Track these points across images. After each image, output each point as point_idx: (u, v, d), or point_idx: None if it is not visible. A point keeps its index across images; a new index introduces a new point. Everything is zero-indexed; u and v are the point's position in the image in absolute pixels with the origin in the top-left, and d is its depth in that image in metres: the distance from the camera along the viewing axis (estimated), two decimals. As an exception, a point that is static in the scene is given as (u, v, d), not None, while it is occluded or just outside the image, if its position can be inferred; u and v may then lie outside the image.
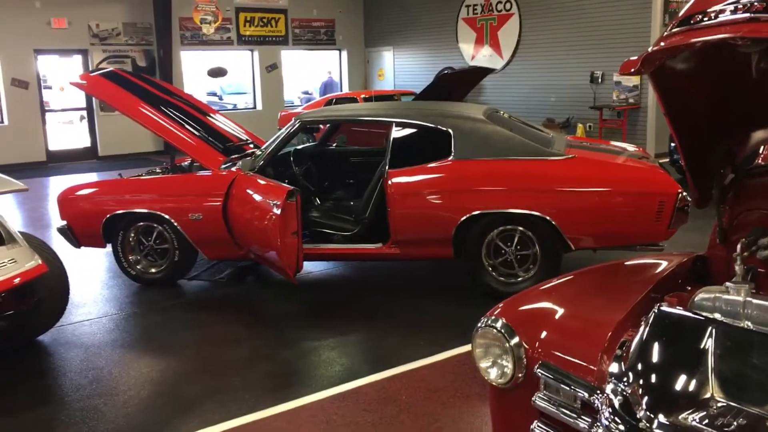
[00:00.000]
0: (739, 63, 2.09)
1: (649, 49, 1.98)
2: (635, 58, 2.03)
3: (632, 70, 2.05)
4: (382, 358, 4.53)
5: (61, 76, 16.23)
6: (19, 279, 4.16)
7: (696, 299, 2.19)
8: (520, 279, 5.34)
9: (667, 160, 10.54)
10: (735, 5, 1.78)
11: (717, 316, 2.08)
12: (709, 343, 1.96)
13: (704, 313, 2.10)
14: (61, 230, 6.13)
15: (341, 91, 18.62)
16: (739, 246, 2.37)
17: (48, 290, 4.69)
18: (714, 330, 1.98)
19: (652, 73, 2.14)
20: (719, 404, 1.82)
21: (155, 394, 4.15)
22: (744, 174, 2.81)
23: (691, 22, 1.90)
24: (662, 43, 1.95)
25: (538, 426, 2.29)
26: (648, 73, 2.14)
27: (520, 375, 2.31)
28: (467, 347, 4.42)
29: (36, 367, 4.60)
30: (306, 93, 19.10)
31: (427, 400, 3.91)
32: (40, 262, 4.36)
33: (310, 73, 19.55)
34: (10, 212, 9.66)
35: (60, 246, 6.40)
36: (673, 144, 10.52)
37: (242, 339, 4.95)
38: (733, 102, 2.48)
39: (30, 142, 14.79)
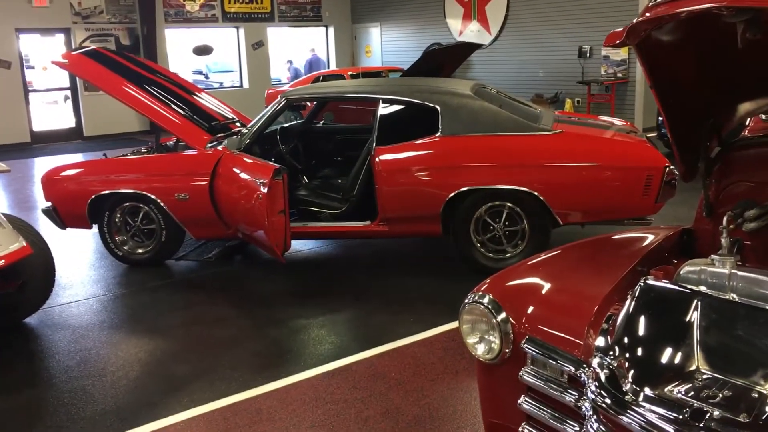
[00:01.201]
0: (724, 34, 2.07)
1: (634, 20, 1.95)
2: (620, 29, 2.00)
3: (617, 41, 2.03)
4: (371, 335, 4.54)
5: (44, 55, 15.98)
6: (3, 261, 4.13)
7: (682, 272, 2.19)
8: (508, 255, 5.34)
9: (655, 134, 10.56)
10: (720, -26, 1.76)
11: (702, 288, 2.08)
12: (694, 315, 1.97)
13: (690, 286, 2.10)
14: (46, 212, 6.08)
15: (328, 68, 18.47)
16: (725, 219, 2.37)
17: (33, 272, 4.65)
18: (699, 302, 1.99)
19: (638, 45, 2.13)
20: (705, 376, 1.83)
21: (144, 375, 4.14)
22: (730, 147, 2.80)
23: (677, -9, 1.87)
24: (647, 14, 1.93)
25: (525, 400, 2.29)
26: (633, 45, 2.12)
27: (507, 350, 2.31)
28: (455, 323, 4.44)
29: (23, 349, 4.58)
30: (290, 62, 18.88)
31: (416, 376, 3.92)
32: (24, 244, 4.33)
33: (295, 50, 19.33)
34: (-6, 194, 9.57)
35: (46, 228, 6.36)
36: (660, 118, 10.54)
37: (231, 318, 4.94)
38: (719, 74, 2.47)
39: (14, 123, 14.61)
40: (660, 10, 1.86)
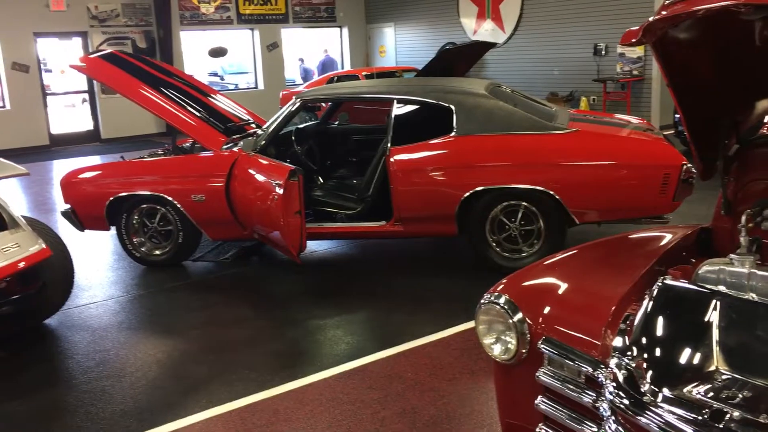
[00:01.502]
0: (741, 31, 2.05)
1: (651, 19, 1.94)
2: (636, 28, 1.99)
3: (633, 40, 2.01)
4: (388, 335, 4.54)
5: (62, 59, 16.15)
6: (23, 263, 4.18)
7: (700, 272, 2.17)
8: (524, 254, 5.32)
9: (672, 132, 10.47)
10: (738, -29, 1.74)
11: (721, 288, 2.06)
12: (713, 315, 1.95)
13: (708, 286, 2.08)
14: (65, 214, 6.14)
15: (341, 68, 18.50)
16: (743, 217, 2.35)
17: (52, 274, 4.70)
18: (718, 302, 1.97)
19: (654, 43, 2.11)
20: (724, 377, 1.81)
21: (162, 375, 4.17)
22: (749, 144, 2.77)
23: (694, -11, 1.86)
24: (664, 12, 1.92)
25: (542, 401, 2.28)
26: (650, 43, 2.10)
27: (523, 351, 2.31)
28: (472, 323, 4.42)
29: (43, 350, 4.63)
30: (300, 60, 18.94)
31: (432, 377, 3.92)
32: (43, 246, 4.37)
33: (309, 51, 19.38)
34: (14, 197, 9.67)
35: (65, 230, 6.43)
36: (677, 116, 10.42)
37: (247, 319, 4.96)
38: (736, 71, 2.44)
39: (32, 126, 14.76)
40: (677, 8, 1.85)
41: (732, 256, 2.14)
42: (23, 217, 4.61)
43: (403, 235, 5.58)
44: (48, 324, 4.99)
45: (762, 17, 1.83)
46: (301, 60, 18.95)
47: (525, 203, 5.23)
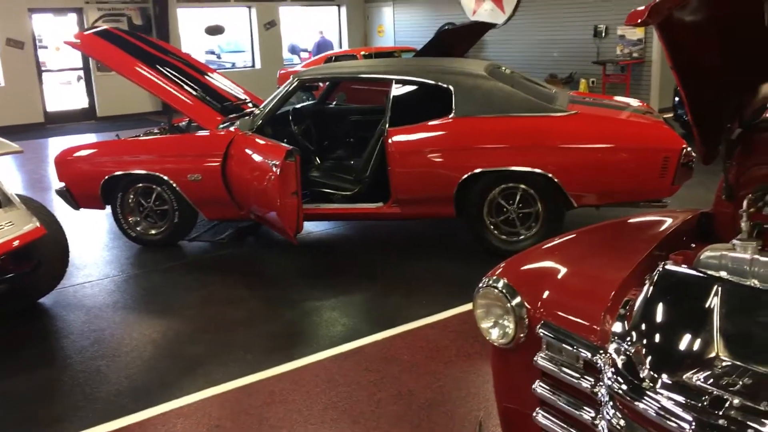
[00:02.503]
0: (748, 13, 2.01)
1: (657, -1, 1.90)
2: (642, 8, 1.95)
3: (639, 21, 1.97)
4: (384, 317, 4.53)
5: (57, 35, 15.98)
6: (17, 242, 4.15)
7: (702, 257, 2.15)
8: (522, 237, 5.30)
9: (671, 115, 10.43)
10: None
11: (723, 274, 2.03)
12: (714, 301, 1.93)
13: (710, 272, 2.06)
14: (59, 192, 6.09)
15: (340, 48, 18.36)
16: (745, 202, 2.32)
17: (47, 253, 4.68)
18: (720, 288, 1.95)
19: (659, 24, 2.07)
20: (724, 363, 1.79)
21: (157, 355, 4.16)
22: (752, 129, 2.74)
23: (701, -31, 1.82)
24: (670, -7, 1.88)
25: (540, 385, 2.27)
26: (655, 25, 2.06)
27: (521, 335, 2.29)
28: (469, 306, 4.42)
29: (38, 329, 4.61)
30: (302, 50, 18.85)
31: (429, 359, 3.91)
32: (38, 224, 4.34)
33: (304, 32, 19.22)
34: (9, 175, 9.61)
35: (59, 208, 6.39)
36: (677, 99, 10.39)
37: (243, 299, 4.95)
38: (741, 54, 2.41)
39: (27, 104, 14.65)
40: (684, -12, 1.81)
41: (734, 241, 2.12)
42: (18, 195, 4.57)
43: (400, 216, 5.55)
44: (43, 303, 4.97)
45: (771, -2, 1.80)
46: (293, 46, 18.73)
47: (523, 186, 5.20)
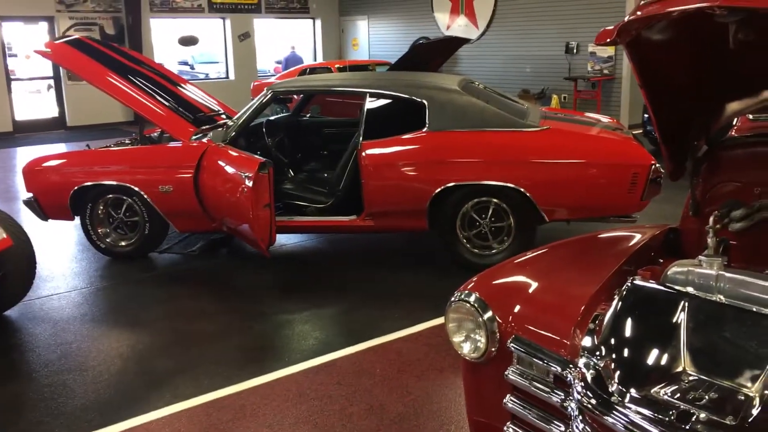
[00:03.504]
0: (715, 34, 2.06)
1: (626, 19, 1.94)
2: (611, 27, 1.99)
3: (608, 40, 2.01)
4: (356, 330, 4.51)
5: (27, 43, 15.77)
6: (-18, 253, 4.06)
7: (669, 273, 2.18)
8: (494, 251, 5.34)
9: (641, 131, 10.59)
10: (713, -26, 1.74)
11: (690, 289, 2.07)
12: (681, 316, 1.96)
13: (677, 287, 2.09)
14: (27, 203, 5.99)
15: (314, 60, 18.38)
16: (711, 218, 2.37)
17: (13, 264, 4.59)
18: (687, 304, 1.98)
19: (628, 43, 2.11)
20: (691, 378, 1.82)
21: (126, 369, 4.09)
22: (718, 146, 2.80)
23: (669, -10, 1.86)
24: (639, 12, 1.92)
25: (511, 400, 2.28)
26: (624, 44, 2.10)
27: (493, 349, 2.30)
28: (441, 319, 4.43)
29: (2, 342, 4.51)
30: (279, 63, 18.83)
31: (401, 373, 3.91)
32: (4, 236, 4.27)
33: (277, 45, 19.22)
34: (-25, 184, 9.44)
35: (27, 219, 6.28)
36: (647, 115, 10.56)
37: (214, 313, 4.90)
38: (708, 73, 2.46)
39: (-5, 112, 14.42)
40: (651, 8, 1.85)
41: (701, 257, 2.15)
42: (-17, 205, 4.49)
43: (373, 229, 5.55)
44: (8, 315, 4.87)
45: (736, 20, 1.84)
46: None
47: (496, 200, 5.24)
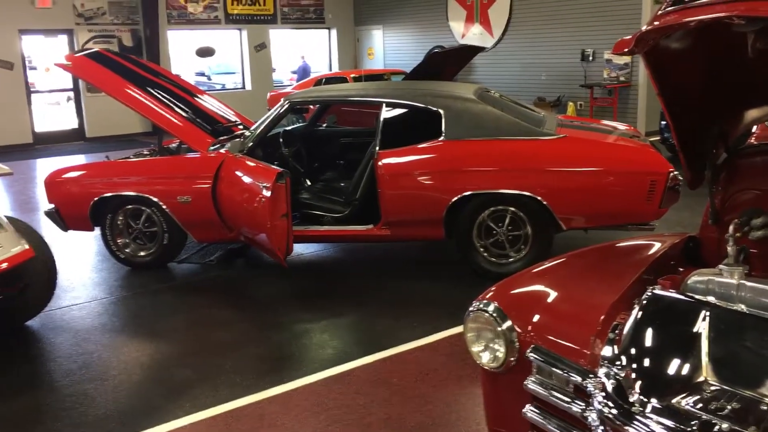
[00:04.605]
0: (734, 43, 2.05)
1: (643, 29, 1.94)
2: (629, 37, 1.99)
3: (626, 49, 2.01)
4: (374, 340, 4.52)
5: (47, 56, 15.99)
6: (5, 264, 4.12)
7: (689, 282, 2.18)
8: (511, 260, 5.32)
9: (658, 138, 10.53)
10: (731, -17, 1.74)
11: (710, 299, 2.06)
12: (702, 326, 1.95)
13: (697, 296, 2.08)
14: (48, 213, 6.07)
15: (328, 71, 18.47)
16: (731, 227, 2.36)
17: (35, 275, 4.64)
18: (708, 313, 1.97)
19: (646, 53, 2.11)
20: (713, 388, 1.81)
21: (146, 379, 4.12)
22: (736, 154, 2.79)
23: (686, 0, 1.86)
24: (656, 22, 1.92)
25: (530, 409, 2.28)
26: (641, 53, 2.10)
27: (512, 359, 2.30)
28: (459, 328, 4.42)
29: (25, 352, 4.57)
30: (294, 73, 18.95)
31: (419, 382, 3.91)
32: (26, 246, 4.32)
33: (292, 55, 19.33)
34: (-4, 195, 9.56)
35: (48, 230, 6.35)
36: (664, 122, 10.51)
37: (233, 322, 4.93)
38: (726, 81, 2.45)
39: (16, 124, 14.61)
40: (669, 18, 1.85)
41: (721, 266, 2.14)
42: (6, 217, 4.55)
43: (390, 239, 5.56)
44: (30, 325, 4.92)
45: (755, 29, 1.84)
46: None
47: (512, 208, 5.23)
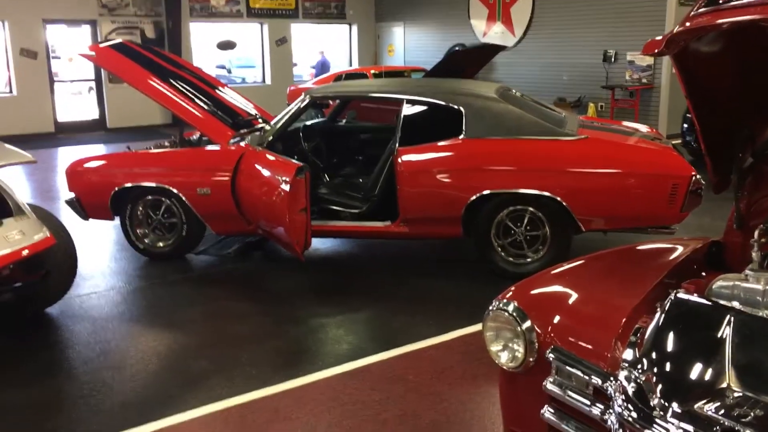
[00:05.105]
0: (765, 46, 2.03)
1: (675, 30, 1.92)
2: (659, 38, 1.97)
3: (656, 50, 1.99)
4: (390, 336, 4.52)
5: (70, 46, 16.14)
6: (27, 251, 4.16)
7: (714, 287, 2.15)
8: (529, 260, 5.30)
9: (680, 141, 10.44)
10: (764, -15, 1.72)
11: (735, 304, 2.04)
12: (726, 331, 1.93)
13: (722, 301, 2.06)
14: (69, 202, 6.13)
15: (348, 67, 18.47)
16: (756, 232, 2.32)
17: (56, 262, 4.69)
18: (732, 318, 1.95)
19: (676, 54, 2.09)
20: (736, 394, 1.79)
21: (162, 368, 4.15)
22: (763, 158, 2.75)
23: (719, 1, 1.84)
24: (688, 24, 1.90)
25: (548, 410, 2.27)
26: (671, 55, 2.08)
27: (531, 359, 2.29)
28: (475, 327, 4.42)
29: (44, 339, 4.62)
30: (314, 68, 18.95)
31: (434, 380, 3.90)
32: (48, 234, 4.36)
33: (312, 50, 19.33)
34: (18, 184, 9.65)
35: (68, 218, 6.41)
36: (686, 125, 10.42)
37: (249, 314, 4.95)
38: (755, 84, 2.43)
39: (38, 113, 14.75)
40: (701, 20, 1.83)
41: (747, 271, 2.12)
42: (28, 204, 4.60)
43: (408, 236, 5.56)
44: (50, 312, 4.98)
45: (788, 32, 1.81)
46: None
47: (531, 208, 5.21)
